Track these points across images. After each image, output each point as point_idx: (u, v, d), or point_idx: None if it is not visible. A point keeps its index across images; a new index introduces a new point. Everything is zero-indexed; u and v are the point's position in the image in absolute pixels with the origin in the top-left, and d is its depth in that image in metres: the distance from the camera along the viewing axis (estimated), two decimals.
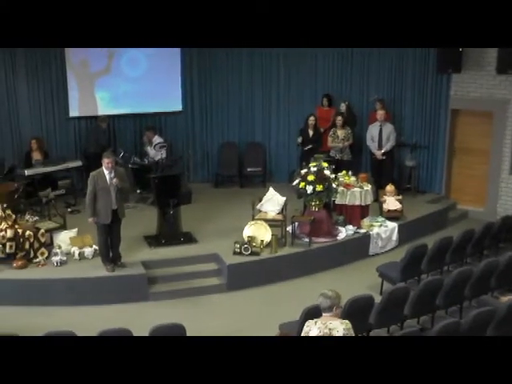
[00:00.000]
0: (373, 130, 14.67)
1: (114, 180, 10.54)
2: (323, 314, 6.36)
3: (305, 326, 6.45)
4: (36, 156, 14.37)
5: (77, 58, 15.32)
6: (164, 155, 14.65)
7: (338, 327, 6.19)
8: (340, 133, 14.59)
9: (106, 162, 10.57)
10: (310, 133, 14.94)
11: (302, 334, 6.44)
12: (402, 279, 10.34)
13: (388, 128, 14.55)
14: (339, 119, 14.66)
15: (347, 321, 6.36)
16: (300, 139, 15.03)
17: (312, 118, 14.93)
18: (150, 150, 15.13)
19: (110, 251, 11.00)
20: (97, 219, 10.72)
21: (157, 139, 15.18)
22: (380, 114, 14.55)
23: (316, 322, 6.32)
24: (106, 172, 10.59)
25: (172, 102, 16.47)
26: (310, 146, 14.73)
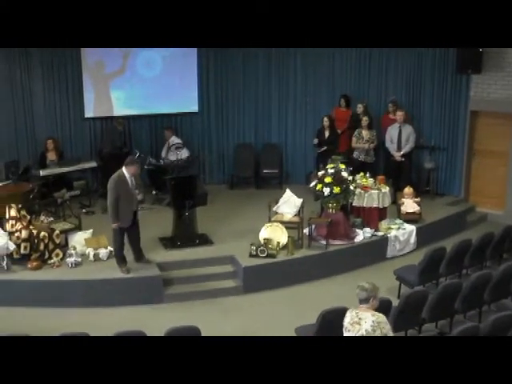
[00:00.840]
0: (392, 132, 14.60)
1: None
2: (359, 306, 6.57)
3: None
4: (51, 156, 14.46)
5: (92, 59, 15.40)
6: (180, 156, 14.69)
7: (368, 318, 6.38)
8: (365, 134, 14.52)
9: (134, 168, 10.66)
10: (326, 134, 14.96)
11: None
12: (420, 283, 10.30)
13: (407, 129, 14.50)
14: (365, 119, 14.61)
15: (381, 314, 6.52)
16: (316, 141, 15.03)
17: (325, 119, 14.96)
18: (164, 150, 15.22)
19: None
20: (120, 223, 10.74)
21: (174, 140, 15.24)
22: (399, 115, 14.49)
23: (352, 311, 6.58)
24: (127, 175, 10.60)
25: (188, 102, 16.48)
26: (324, 148, 14.74)
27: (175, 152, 14.74)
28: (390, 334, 6.46)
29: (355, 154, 14.62)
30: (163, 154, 15.36)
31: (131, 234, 10.98)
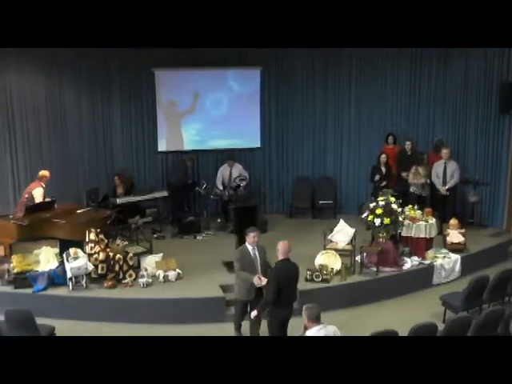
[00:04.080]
0: (438, 168, 14.45)
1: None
2: None
3: None
4: (119, 190, 14.80)
5: (166, 98, 15.74)
6: (243, 187, 14.80)
7: None
8: (421, 170, 14.46)
9: (251, 236, 9.66)
10: (383, 170, 14.90)
11: None
12: (465, 308, 10.10)
13: (452, 166, 14.32)
14: (425, 157, 14.84)
15: None
16: (378, 177, 14.93)
17: (384, 156, 14.94)
18: (220, 180, 15.60)
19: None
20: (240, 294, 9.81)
21: (241, 171, 15.50)
22: (444, 152, 14.38)
23: None
24: (249, 248, 9.77)
25: (251, 139, 16.59)
26: (384, 183, 14.67)
27: (239, 183, 14.85)
28: None
29: (412, 189, 14.57)
30: (219, 185, 15.49)
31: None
